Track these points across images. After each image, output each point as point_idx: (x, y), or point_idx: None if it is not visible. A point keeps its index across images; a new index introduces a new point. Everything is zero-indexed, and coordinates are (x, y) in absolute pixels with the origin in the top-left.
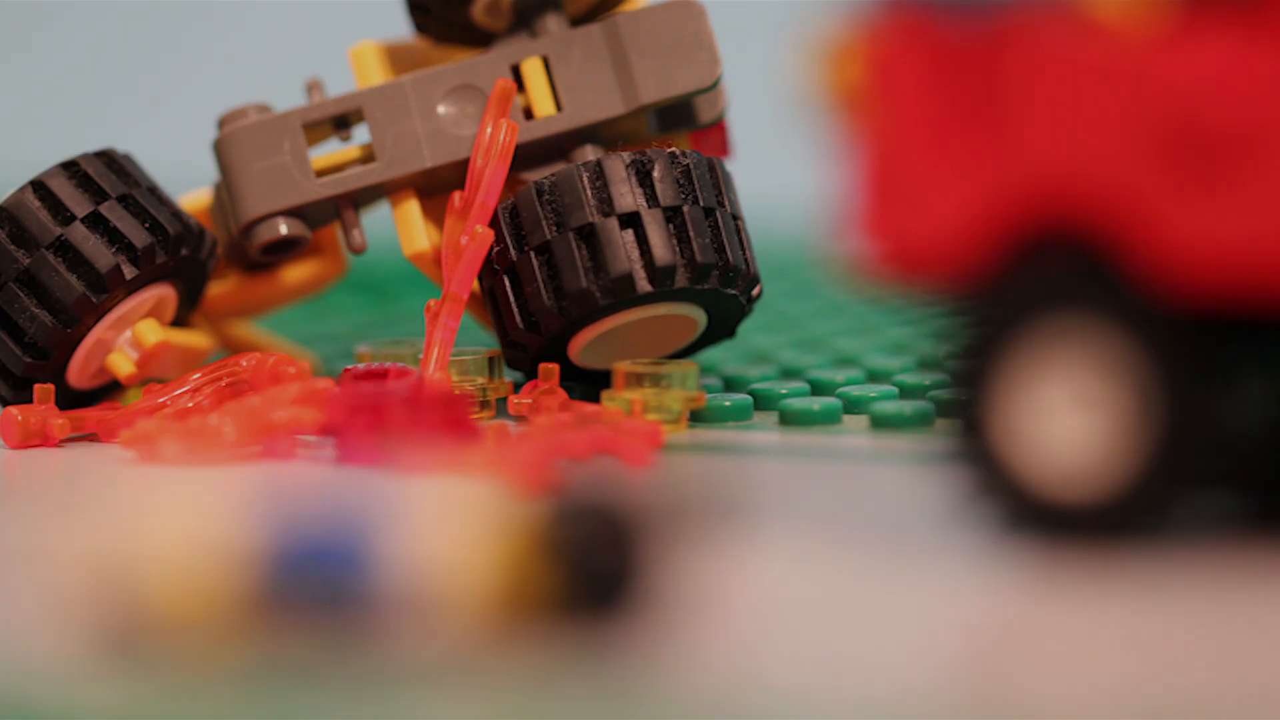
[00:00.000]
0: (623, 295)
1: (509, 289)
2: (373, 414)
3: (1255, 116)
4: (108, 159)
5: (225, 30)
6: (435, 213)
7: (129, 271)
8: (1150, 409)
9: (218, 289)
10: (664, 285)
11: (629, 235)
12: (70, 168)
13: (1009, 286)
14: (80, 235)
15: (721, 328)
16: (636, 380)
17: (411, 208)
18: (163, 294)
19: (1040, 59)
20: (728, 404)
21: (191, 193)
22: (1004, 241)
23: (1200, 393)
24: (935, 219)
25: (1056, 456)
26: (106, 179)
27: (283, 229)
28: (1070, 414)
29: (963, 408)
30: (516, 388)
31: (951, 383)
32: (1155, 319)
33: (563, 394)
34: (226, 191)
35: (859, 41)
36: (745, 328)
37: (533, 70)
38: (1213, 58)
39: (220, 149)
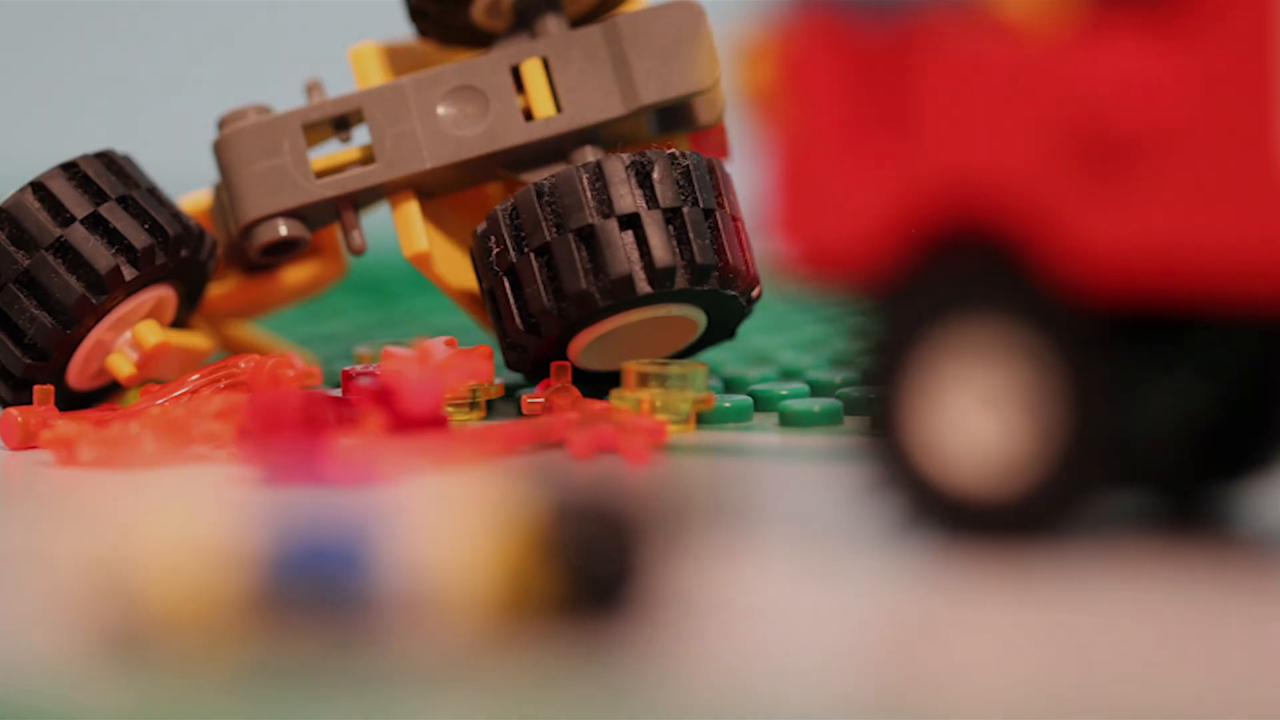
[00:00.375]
0: (622, 297)
1: (509, 290)
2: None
3: (1162, 116)
4: (107, 160)
5: (225, 30)
6: (435, 213)
7: (128, 273)
8: (1060, 408)
9: (217, 290)
10: (664, 287)
11: (629, 237)
12: (70, 169)
13: (920, 286)
14: (80, 236)
15: (721, 329)
16: (645, 380)
17: (411, 209)
18: (162, 295)
19: (950, 59)
20: (728, 405)
21: (191, 193)
22: (915, 241)
23: (1109, 392)
24: (847, 219)
25: (967, 456)
26: (106, 180)
27: (282, 230)
28: (981, 413)
29: (874, 407)
30: (509, 389)
31: (863, 382)
32: (1064, 319)
33: (575, 392)
34: (226, 192)
35: (771, 41)
36: (745, 329)
37: (532, 71)
38: (1120, 58)
39: (220, 150)
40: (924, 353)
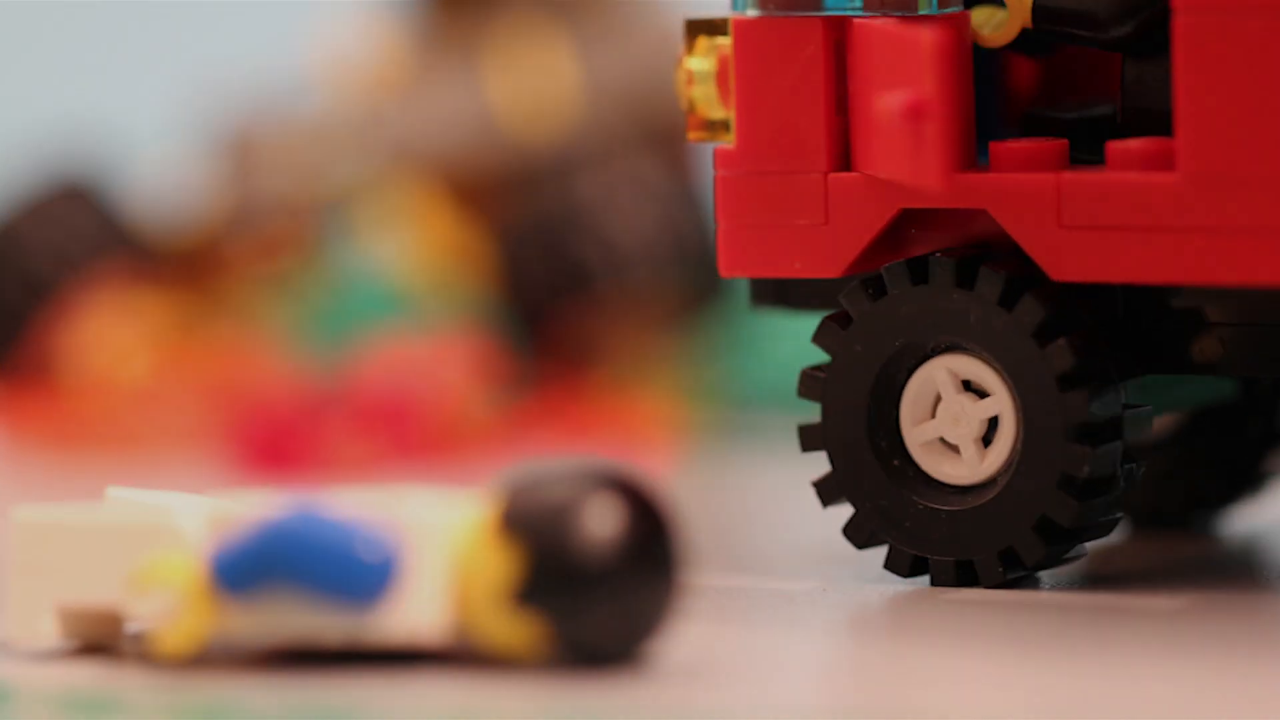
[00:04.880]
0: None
1: (518, 287)
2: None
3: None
4: (74, 191)
5: (218, 18)
6: (443, 210)
7: (94, 271)
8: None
9: (200, 283)
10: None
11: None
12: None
13: (876, 303)
14: (38, 237)
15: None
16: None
17: (423, 205)
18: (134, 294)
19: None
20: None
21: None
22: (875, 255)
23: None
24: (800, 232)
25: (937, 479)
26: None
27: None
28: (951, 436)
29: (832, 432)
30: (507, 388)
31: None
32: (1037, 327)
33: (573, 389)
34: (232, 180)
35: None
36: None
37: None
38: None
39: (231, 151)
40: (888, 378)
